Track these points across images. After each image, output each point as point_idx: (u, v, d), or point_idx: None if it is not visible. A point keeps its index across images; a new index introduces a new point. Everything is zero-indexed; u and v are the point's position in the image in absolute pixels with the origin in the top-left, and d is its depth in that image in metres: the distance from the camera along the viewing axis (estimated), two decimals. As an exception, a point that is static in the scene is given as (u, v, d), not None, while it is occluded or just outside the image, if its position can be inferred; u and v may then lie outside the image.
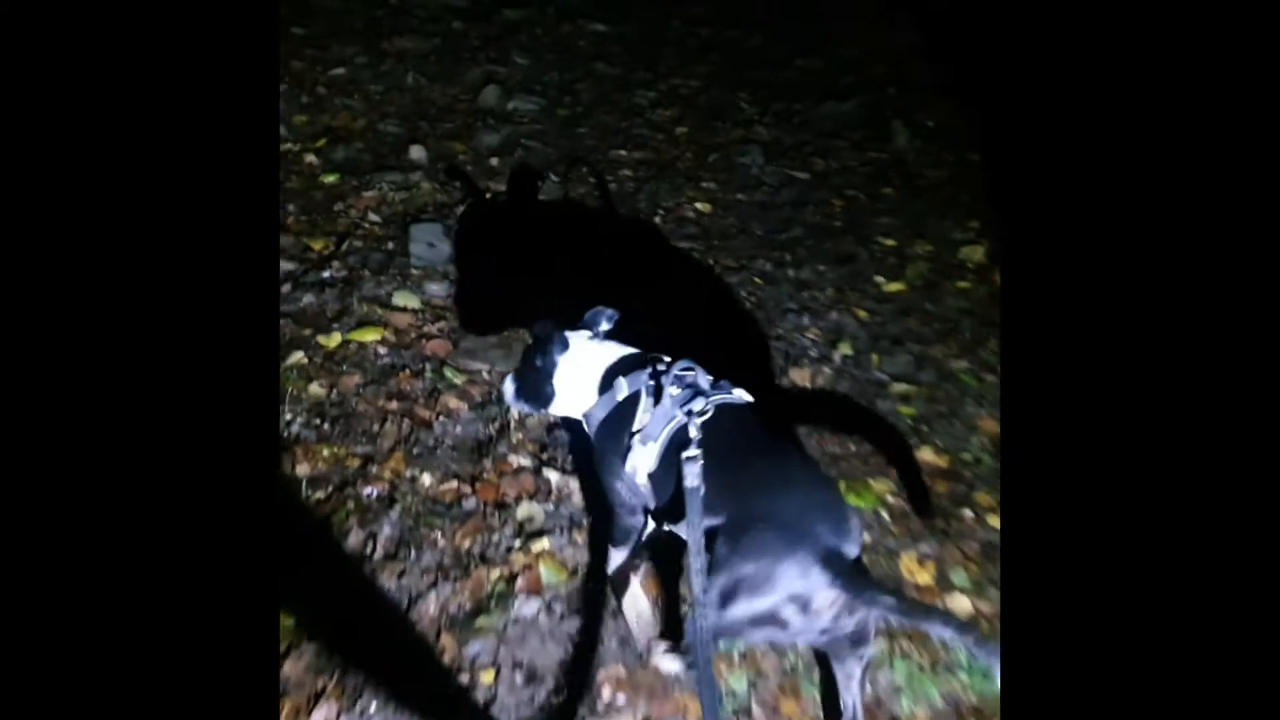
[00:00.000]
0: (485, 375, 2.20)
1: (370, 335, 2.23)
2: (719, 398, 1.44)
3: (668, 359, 1.53)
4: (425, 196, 2.91)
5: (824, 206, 3.31)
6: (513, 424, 2.04)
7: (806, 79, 4.46)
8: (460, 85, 3.69)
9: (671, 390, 1.45)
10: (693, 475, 1.29)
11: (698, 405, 1.41)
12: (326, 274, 2.44)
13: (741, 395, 1.49)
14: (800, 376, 2.38)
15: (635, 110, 3.89)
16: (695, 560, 1.22)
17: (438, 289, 2.47)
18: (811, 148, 3.75)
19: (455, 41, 4.05)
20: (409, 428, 2.00)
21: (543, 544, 1.74)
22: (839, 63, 4.65)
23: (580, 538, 1.78)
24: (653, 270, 2.79)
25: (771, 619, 1.23)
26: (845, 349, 2.50)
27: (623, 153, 3.50)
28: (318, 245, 2.55)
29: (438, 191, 2.95)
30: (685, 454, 1.32)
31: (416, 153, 3.12)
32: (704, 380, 1.48)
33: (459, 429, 2.03)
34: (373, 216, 2.74)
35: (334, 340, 2.19)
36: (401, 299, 2.39)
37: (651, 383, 1.48)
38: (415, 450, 1.94)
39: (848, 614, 1.24)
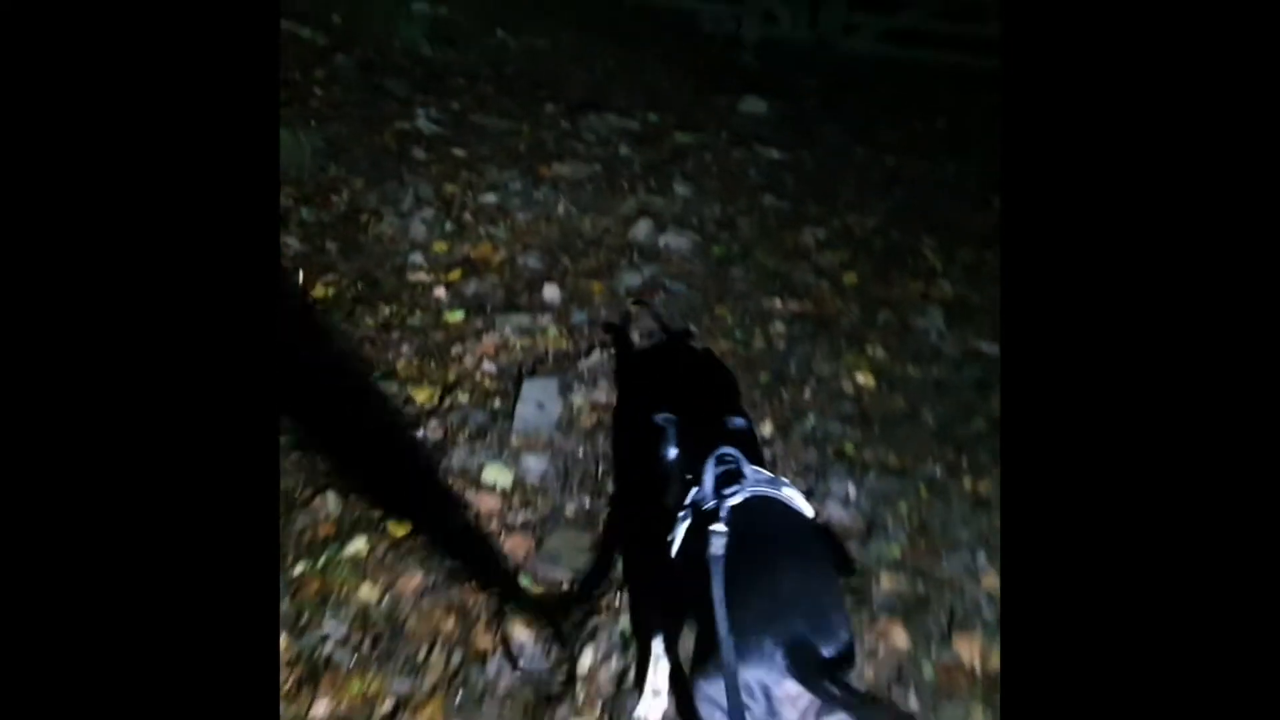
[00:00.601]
0: (565, 589, 1.83)
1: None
2: (761, 490, 1.43)
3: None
4: (548, 343, 2.65)
5: (1016, 392, 2.72)
6: (580, 676, 1.64)
7: (1005, 224, 3.90)
8: (612, 216, 3.48)
9: (717, 472, 1.48)
10: (717, 545, 1.29)
11: (730, 490, 1.43)
12: (419, 433, 2.20)
13: (791, 494, 1.45)
14: (966, 647, 1.81)
15: (800, 251, 3.51)
16: (721, 626, 1.16)
17: (535, 464, 2.16)
18: (1005, 312, 3.18)
19: (617, 168, 3.90)
20: (459, 660, 1.65)
21: None
22: (1046, 206, 4.05)
23: None
24: (788, 463, 2.33)
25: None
26: (1033, 613, 1.90)
27: (778, 302, 3.11)
28: (421, 397, 2.33)
29: (563, 338, 2.69)
30: (712, 528, 1.32)
31: (550, 292, 2.90)
32: (749, 469, 1.48)
33: (520, 668, 1.65)
34: (487, 365, 2.51)
35: (405, 525, 1.92)
36: (492, 474, 2.10)
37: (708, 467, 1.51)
38: (459, 697, 1.59)
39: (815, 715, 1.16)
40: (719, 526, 1.32)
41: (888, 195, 4.17)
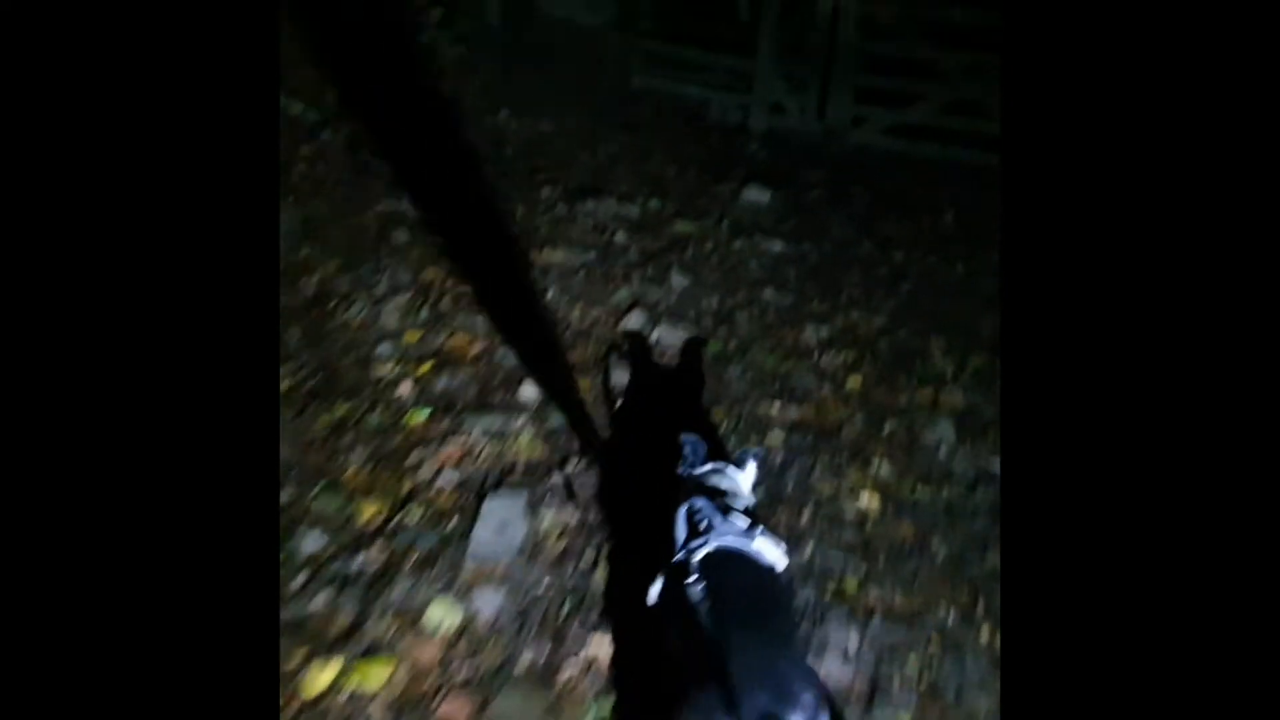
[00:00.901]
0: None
1: (375, 675, 1.65)
2: (726, 543, 1.50)
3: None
4: (520, 452, 2.40)
5: (1038, 523, 2.44)
6: None
7: (1019, 328, 3.68)
8: (603, 307, 3.28)
9: (690, 520, 1.59)
10: (695, 593, 1.37)
11: (695, 543, 1.50)
12: (359, 560, 1.92)
13: (761, 544, 1.51)
14: None
15: (801, 351, 3.28)
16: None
17: (489, 600, 1.87)
18: (1023, 427, 2.92)
19: (612, 257, 3.72)
20: None
21: None
22: (1062, 310, 3.84)
23: None
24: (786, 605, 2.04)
25: None
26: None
27: (776, 407, 2.86)
28: (367, 513, 2.07)
29: (537, 445, 2.43)
30: (686, 581, 1.39)
31: (528, 391, 2.66)
32: (719, 521, 1.57)
33: None
34: (448, 475, 2.25)
35: (323, 679, 1.62)
36: (437, 613, 1.82)
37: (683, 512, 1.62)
38: None
39: None
40: (692, 579, 1.39)
41: (894, 292, 3.97)
